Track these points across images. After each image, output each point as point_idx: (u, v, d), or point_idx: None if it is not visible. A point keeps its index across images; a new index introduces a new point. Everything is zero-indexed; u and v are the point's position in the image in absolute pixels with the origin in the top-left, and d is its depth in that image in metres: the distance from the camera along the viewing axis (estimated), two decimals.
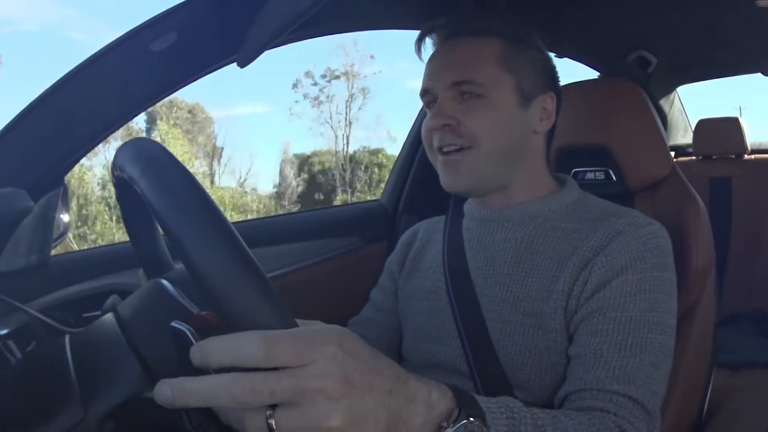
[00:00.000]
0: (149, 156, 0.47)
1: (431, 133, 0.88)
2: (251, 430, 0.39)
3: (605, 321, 0.76)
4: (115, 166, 0.52)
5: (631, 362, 0.72)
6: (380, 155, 18.32)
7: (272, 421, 0.38)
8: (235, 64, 0.90)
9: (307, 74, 18.48)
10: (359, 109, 18.68)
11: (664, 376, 0.75)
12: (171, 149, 0.50)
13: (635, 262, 0.79)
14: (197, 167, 17.01)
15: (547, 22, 0.88)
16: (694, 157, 2.40)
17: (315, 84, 18.51)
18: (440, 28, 0.91)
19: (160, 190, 0.44)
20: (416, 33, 0.93)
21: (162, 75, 0.87)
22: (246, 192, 18.04)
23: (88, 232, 13.05)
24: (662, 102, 2.48)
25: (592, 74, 2.03)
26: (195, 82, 0.89)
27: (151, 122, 16.45)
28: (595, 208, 0.89)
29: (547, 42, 0.95)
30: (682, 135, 2.69)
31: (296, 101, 22.93)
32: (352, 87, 18.40)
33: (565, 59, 1.84)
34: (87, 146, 0.86)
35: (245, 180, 18.54)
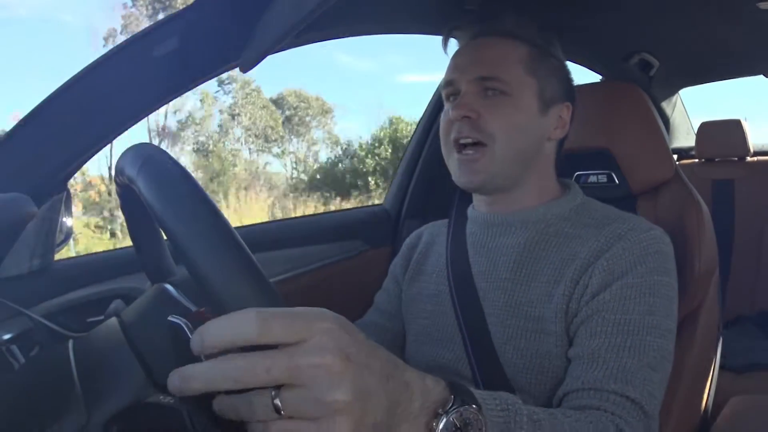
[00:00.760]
0: (146, 155, 0.50)
1: (450, 124, 0.89)
2: (259, 413, 0.39)
3: (604, 323, 0.76)
4: (117, 171, 0.53)
5: (630, 363, 0.72)
6: None
7: (278, 401, 0.37)
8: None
9: None
10: None
11: (663, 380, 0.75)
12: None
13: (636, 266, 0.79)
14: None
15: (549, 26, 0.89)
16: (696, 160, 2.40)
17: None
18: (470, 25, 0.93)
19: (155, 183, 0.46)
20: (418, 37, 0.94)
21: (165, 80, 0.87)
22: None
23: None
24: (664, 105, 2.48)
25: (595, 77, 2.04)
26: None
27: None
28: (597, 214, 0.89)
29: None
30: (685, 137, 2.69)
31: None
32: None
33: (568, 62, 1.83)
34: (90, 151, 0.86)
35: None
